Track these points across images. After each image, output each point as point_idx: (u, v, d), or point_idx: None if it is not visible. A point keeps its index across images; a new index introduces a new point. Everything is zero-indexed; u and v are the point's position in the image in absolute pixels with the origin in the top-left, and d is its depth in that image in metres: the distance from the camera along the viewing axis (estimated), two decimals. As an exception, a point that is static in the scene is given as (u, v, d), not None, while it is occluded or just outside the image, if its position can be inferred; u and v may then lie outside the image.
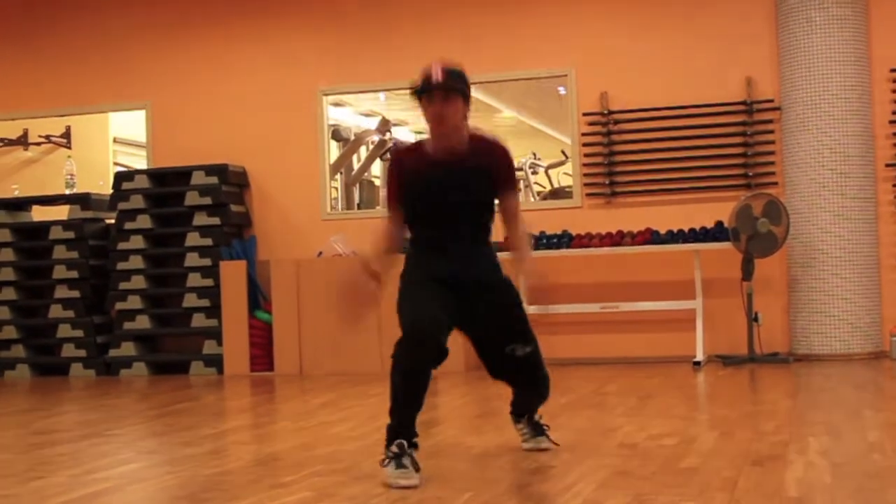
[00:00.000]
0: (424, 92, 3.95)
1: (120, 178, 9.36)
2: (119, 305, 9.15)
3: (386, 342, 7.98)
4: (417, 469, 3.70)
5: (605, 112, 8.62)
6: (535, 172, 10.56)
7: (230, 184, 9.13)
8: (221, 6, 9.52)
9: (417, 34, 8.96)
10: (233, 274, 8.78)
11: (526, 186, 10.48)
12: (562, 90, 8.88)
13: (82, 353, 9.16)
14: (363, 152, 10.38)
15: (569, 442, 4.47)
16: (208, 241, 8.98)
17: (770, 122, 8.32)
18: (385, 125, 10.20)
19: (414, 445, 3.76)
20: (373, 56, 9.03)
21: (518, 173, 10.30)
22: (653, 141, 8.54)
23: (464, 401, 6.58)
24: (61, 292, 9.26)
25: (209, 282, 8.92)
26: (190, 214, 9.08)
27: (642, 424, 4.96)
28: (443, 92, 3.92)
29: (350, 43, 9.15)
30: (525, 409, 4.38)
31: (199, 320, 8.97)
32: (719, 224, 8.04)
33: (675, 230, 8.14)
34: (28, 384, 8.68)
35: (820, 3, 7.91)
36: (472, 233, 4.08)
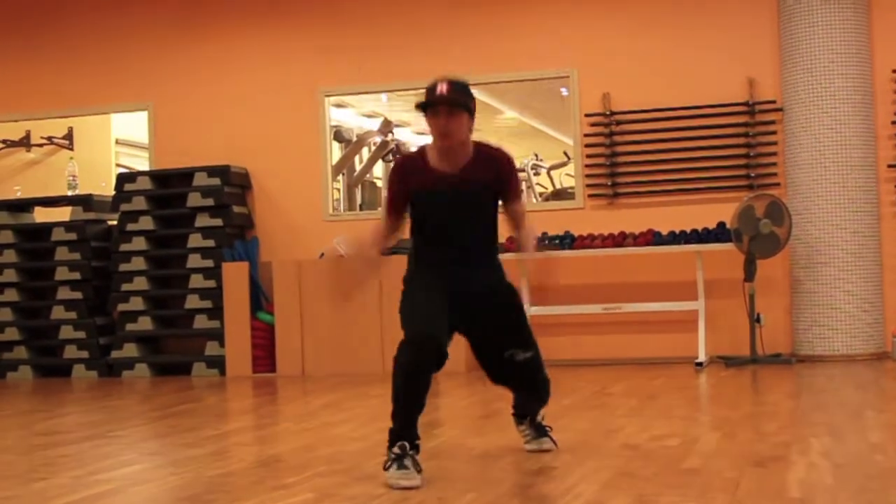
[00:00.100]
0: (429, 106, 3.95)
1: (122, 179, 9.37)
2: (121, 307, 9.16)
3: (387, 344, 8.00)
4: (419, 470, 3.70)
5: (608, 113, 8.62)
6: (537, 174, 10.56)
7: (232, 185, 9.14)
8: (224, 7, 9.53)
9: (419, 35, 8.97)
10: (235, 275, 8.79)
11: (528, 188, 10.47)
12: (564, 91, 8.88)
13: (84, 354, 9.17)
14: (365, 153, 10.38)
15: (571, 443, 4.47)
16: (210, 243, 8.99)
17: (772, 122, 8.32)
18: (387, 126, 10.20)
19: (415, 447, 3.77)
20: (375, 57, 9.03)
21: (520, 174, 10.39)
22: (655, 142, 8.54)
23: (466, 402, 6.58)
24: (63, 294, 9.26)
25: (211, 283, 8.93)
26: (192, 216, 9.08)
27: (644, 425, 4.96)
28: (447, 107, 3.92)
29: (352, 44, 9.15)
30: (526, 410, 4.38)
31: (201, 322, 8.97)
32: (721, 225, 8.04)
33: (677, 231, 8.14)
34: (30, 385, 8.69)
35: (822, 4, 7.91)
36: (477, 250, 4.10)
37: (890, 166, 8.07)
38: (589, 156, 8.71)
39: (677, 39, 8.54)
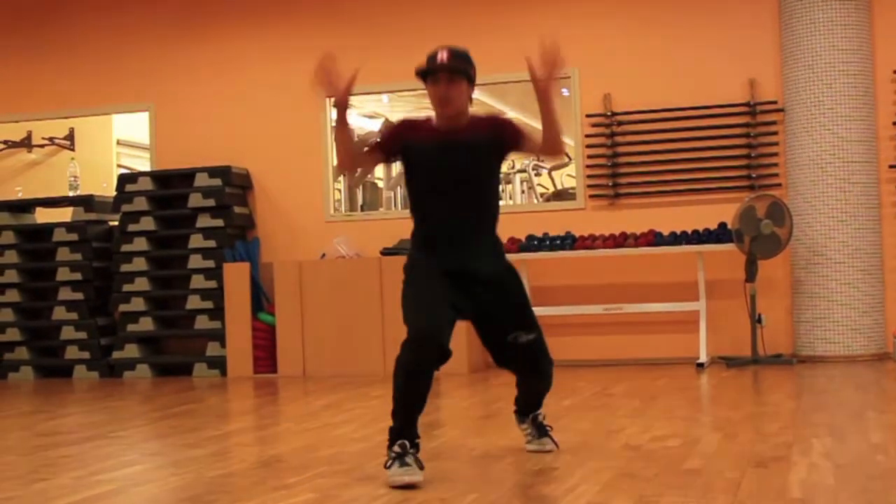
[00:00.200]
0: (429, 73, 3.96)
1: (123, 179, 9.38)
2: (122, 307, 9.16)
3: (388, 345, 8.01)
4: (420, 467, 3.70)
5: (609, 114, 8.62)
6: (538, 174, 10.55)
7: (233, 185, 9.14)
8: (224, 8, 9.54)
9: (419, 35, 8.96)
10: (236, 276, 8.80)
11: (529, 188, 10.48)
12: (565, 92, 8.88)
13: (86, 355, 9.18)
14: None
15: (572, 443, 4.47)
16: (212, 243, 8.99)
17: (773, 123, 8.32)
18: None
19: (416, 446, 3.77)
20: (375, 57, 9.03)
21: (521, 175, 10.39)
22: (656, 142, 8.54)
23: (467, 402, 6.58)
24: (65, 294, 9.27)
25: (212, 284, 8.93)
26: (193, 216, 9.09)
27: (646, 426, 4.96)
28: (447, 74, 3.93)
29: (352, 44, 9.15)
30: (529, 403, 4.36)
31: (202, 322, 8.98)
32: (722, 225, 8.04)
33: (678, 232, 8.14)
34: (31, 386, 8.69)
35: (823, 5, 7.91)
36: (476, 219, 4.05)
37: (891, 167, 8.07)
38: (590, 156, 8.71)
39: (678, 40, 8.54)
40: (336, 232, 9.01)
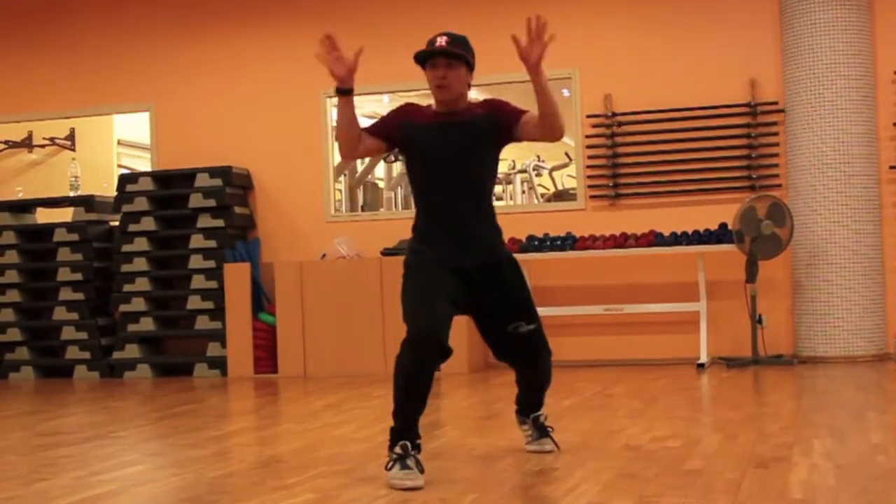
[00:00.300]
0: (428, 58, 3.96)
1: (124, 180, 9.38)
2: (123, 307, 9.16)
3: (389, 345, 8.01)
4: (421, 470, 3.70)
5: (609, 114, 8.62)
6: (538, 175, 10.56)
7: (234, 186, 9.14)
8: (225, 8, 9.54)
9: (420, 36, 8.90)
10: (237, 276, 8.80)
11: (530, 188, 10.48)
12: (565, 92, 8.88)
13: (86, 355, 9.18)
14: (366, 154, 10.35)
15: (573, 444, 4.47)
16: (212, 244, 8.99)
17: (774, 124, 8.32)
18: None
19: (417, 447, 3.77)
20: (376, 58, 9.01)
21: (522, 175, 10.39)
22: (657, 143, 8.54)
23: (467, 403, 6.58)
24: (65, 294, 9.27)
25: (213, 284, 8.93)
26: (194, 217, 9.09)
27: (646, 426, 4.96)
28: (446, 58, 3.94)
29: (352, 44, 9.13)
30: (530, 402, 4.35)
31: (202, 322, 8.98)
32: (723, 226, 8.04)
33: (678, 232, 8.14)
34: (32, 386, 8.69)
35: (824, 6, 7.91)
36: (476, 205, 4.04)
37: (892, 167, 8.07)
38: (590, 157, 8.71)
39: (679, 40, 8.54)
40: (337, 232, 9.02)
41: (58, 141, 11.32)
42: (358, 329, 8.33)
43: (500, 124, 4.04)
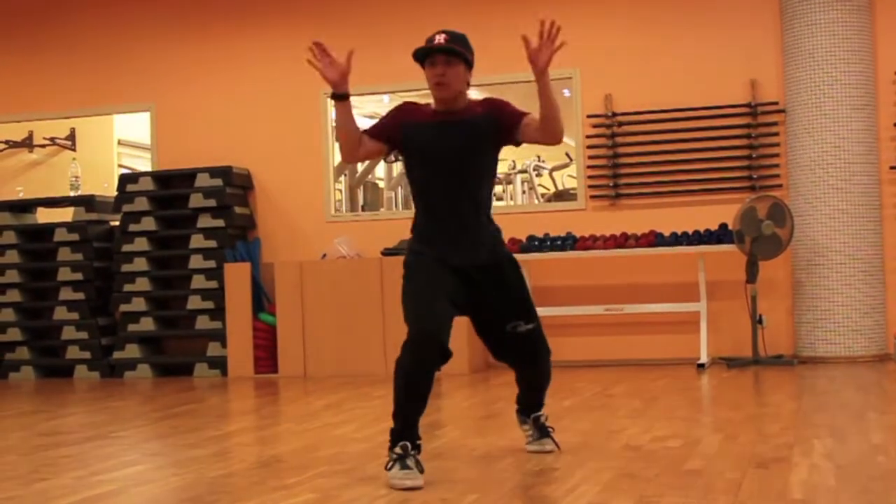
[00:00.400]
0: (427, 55, 3.96)
1: (124, 180, 9.38)
2: (123, 307, 9.16)
3: (389, 345, 8.01)
4: (421, 470, 3.70)
5: (610, 114, 8.62)
6: (539, 175, 10.56)
7: (234, 186, 9.14)
8: (225, 8, 9.54)
9: (420, 36, 8.91)
10: (237, 276, 8.80)
11: (530, 189, 10.48)
12: (566, 92, 8.88)
13: (87, 355, 9.18)
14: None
15: (573, 444, 4.47)
16: (212, 244, 8.99)
17: (774, 124, 8.32)
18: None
19: (417, 447, 3.77)
20: (376, 58, 9.03)
21: (522, 175, 10.39)
22: (657, 143, 8.54)
23: (468, 403, 6.58)
24: (66, 294, 9.27)
25: (213, 284, 8.93)
26: (194, 217, 9.09)
27: (646, 426, 4.96)
28: (445, 56, 3.93)
29: (354, 45, 9.13)
30: (531, 402, 4.35)
31: (203, 322, 8.98)
32: (723, 226, 8.04)
33: (679, 232, 8.14)
34: (32, 386, 8.70)
35: (824, 6, 7.91)
36: (476, 204, 4.03)
37: (892, 168, 8.07)
38: (591, 157, 8.71)
39: (679, 40, 8.54)
40: (337, 232, 9.01)
41: (58, 141, 11.32)
42: (358, 329, 8.33)
43: (501, 125, 4.03)
